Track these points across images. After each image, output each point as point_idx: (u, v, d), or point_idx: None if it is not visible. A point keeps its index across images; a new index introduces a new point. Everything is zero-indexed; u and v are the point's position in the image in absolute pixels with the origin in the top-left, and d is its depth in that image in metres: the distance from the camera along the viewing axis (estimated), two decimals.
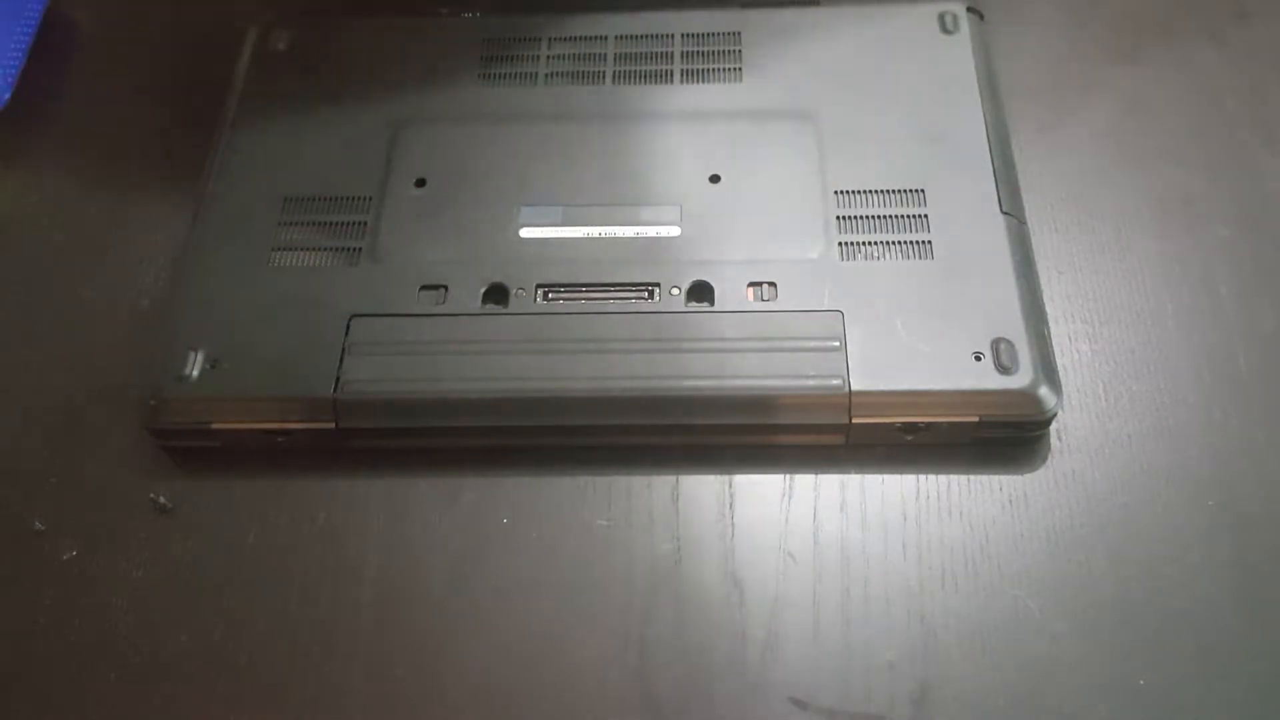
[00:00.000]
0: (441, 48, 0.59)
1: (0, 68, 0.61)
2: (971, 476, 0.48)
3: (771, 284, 0.49)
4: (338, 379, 0.47)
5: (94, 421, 0.51)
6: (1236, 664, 0.43)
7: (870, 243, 0.50)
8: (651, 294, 0.49)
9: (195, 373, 0.48)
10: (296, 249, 0.51)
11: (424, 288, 0.50)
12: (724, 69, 0.57)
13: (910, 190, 0.51)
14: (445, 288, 0.50)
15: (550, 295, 0.50)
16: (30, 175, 0.60)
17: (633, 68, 0.57)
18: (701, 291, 0.49)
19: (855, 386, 0.46)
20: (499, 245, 0.51)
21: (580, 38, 0.59)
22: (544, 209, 0.52)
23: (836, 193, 0.52)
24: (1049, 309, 0.50)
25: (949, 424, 0.47)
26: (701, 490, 0.48)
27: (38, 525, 0.48)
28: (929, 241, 0.50)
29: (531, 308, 0.49)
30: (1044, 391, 0.47)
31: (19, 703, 0.45)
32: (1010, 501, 0.48)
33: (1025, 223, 0.52)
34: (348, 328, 0.49)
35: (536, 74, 0.57)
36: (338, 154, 0.54)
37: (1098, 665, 0.44)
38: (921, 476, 0.48)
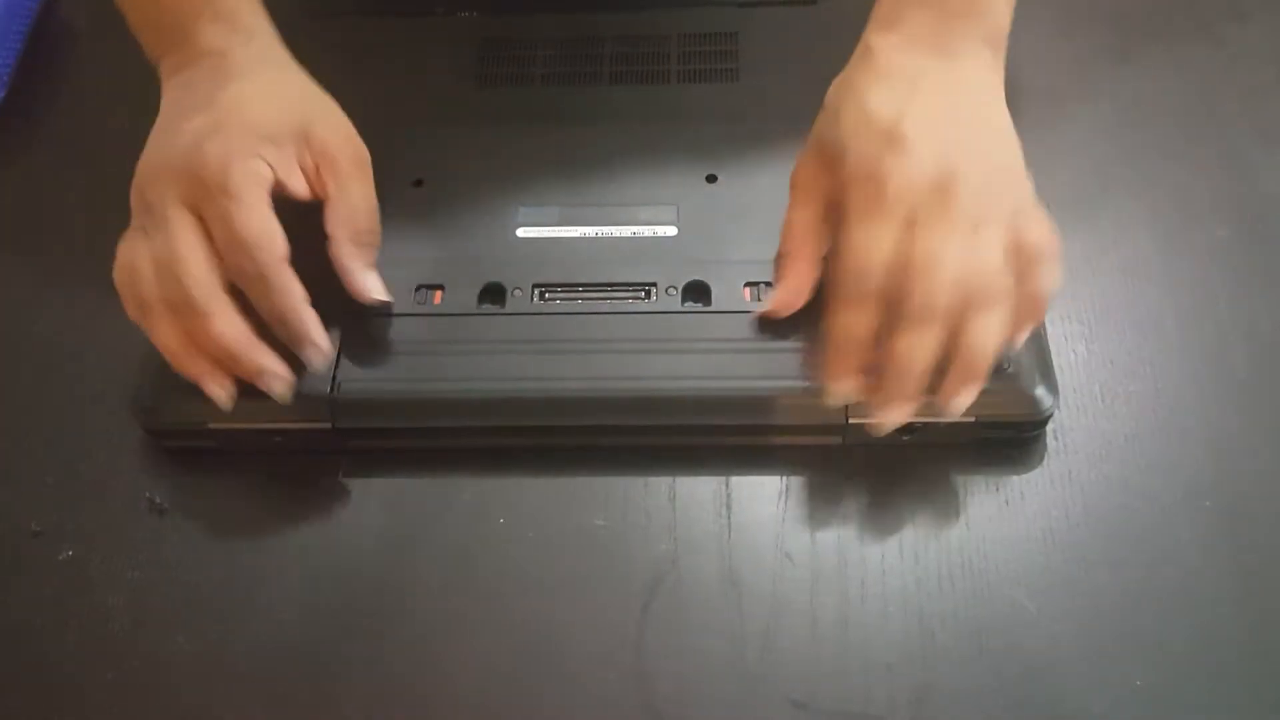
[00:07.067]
0: (438, 48, 0.59)
1: None
2: (969, 476, 0.48)
3: (769, 284, 0.49)
4: (334, 378, 0.47)
5: (92, 421, 0.51)
6: (1235, 664, 0.43)
7: None
8: (648, 294, 0.49)
9: None
10: (294, 248, 0.51)
11: (420, 287, 0.50)
12: (721, 69, 0.57)
13: None
14: (442, 287, 0.50)
15: (547, 295, 0.49)
16: (28, 173, 0.60)
17: (629, 68, 0.57)
18: (698, 291, 0.49)
19: None
20: (496, 245, 0.51)
21: (577, 38, 0.59)
22: (541, 209, 0.52)
23: None
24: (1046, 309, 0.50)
25: (946, 424, 0.47)
26: (699, 491, 0.48)
27: (35, 527, 0.48)
28: None
29: (528, 308, 0.49)
30: (1040, 392, 0.47)
31: (19, 703, 0.45)
32: (1007, 502, 0.47)
33: None
34: (345, 327, 0.49)
35: (533, 74, 0.57)
36: None
37: (1096, 665, 0.44)
38: (919, 477, 0.48)
